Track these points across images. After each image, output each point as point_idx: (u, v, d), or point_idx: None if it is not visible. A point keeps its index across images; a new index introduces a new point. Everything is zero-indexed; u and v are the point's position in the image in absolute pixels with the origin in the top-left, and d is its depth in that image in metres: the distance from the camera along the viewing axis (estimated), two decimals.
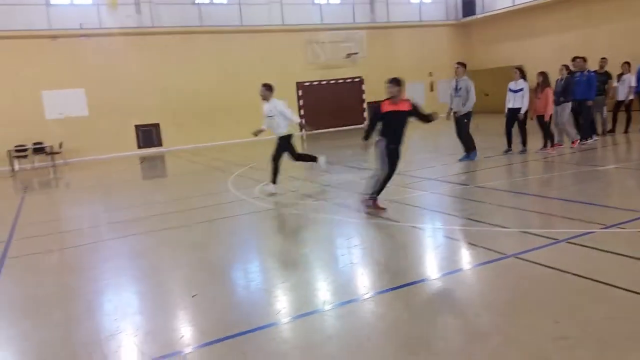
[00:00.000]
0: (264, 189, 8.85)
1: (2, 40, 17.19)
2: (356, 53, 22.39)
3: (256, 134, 8.82)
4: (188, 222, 7.42)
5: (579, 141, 10.98)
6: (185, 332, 3.81)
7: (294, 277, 4.79)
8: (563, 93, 10.86)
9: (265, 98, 8.61)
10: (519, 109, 10.43)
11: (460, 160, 10.42)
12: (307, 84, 22.26)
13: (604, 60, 12.40)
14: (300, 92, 22.19)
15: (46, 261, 6.21)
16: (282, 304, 4.19)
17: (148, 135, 19.85)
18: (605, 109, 12.37)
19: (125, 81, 18.92)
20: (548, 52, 20.23)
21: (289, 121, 8.68)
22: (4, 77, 17.23)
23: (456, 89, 10.35)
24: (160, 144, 19.98)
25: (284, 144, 8.72)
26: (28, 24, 17.52)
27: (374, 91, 23.64)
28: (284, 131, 8.65)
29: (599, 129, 12.39)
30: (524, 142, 10.69)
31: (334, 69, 22.56)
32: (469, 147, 10.49)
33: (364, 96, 23.72)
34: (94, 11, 18.47)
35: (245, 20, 20.60)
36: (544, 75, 10.44)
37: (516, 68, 10.86)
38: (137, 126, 19.64)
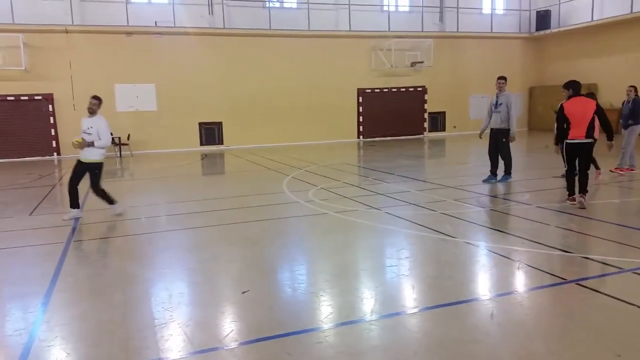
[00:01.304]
0: (114, 212, 7.93)
1: (83, 34, 18.27)
2: (422, 62, 22.15)
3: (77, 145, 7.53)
4: (243, 219, 7.58)
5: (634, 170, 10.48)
6: (234, 327, 3.88)
7: (343, 283, 4.78)
8: (632, 116, 10.32)
9: (94, 112, 7.65)
10: None
11: (484, 181, 9.95)
12: (368, 90, 22.22)
13: None
14: (360, 99, 22.17)
15: (107, 247, 6.52)
16: (330, 309, 4.19)
17: (211, 133, 20.46)
18: None
19: (193, 79, 19.60)
20: (624, 70, 19.27)
21: (103, 146, 7.65)
22: (82, 69, 18.28)
23: (496, 105, 9.87)
24: (221, 142, 20.53)
25: (94, 172, 7.71)
26: (108, 21, 18.53)
27: (437, 101, 23.33)
28: (97, 158, 7.64)
29: None
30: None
31: (397, 77, 22.41)
32: (509, 168, 10.04)
33: (426, 106, 23.40)
34: (169, 10, 19.27)
35: (312, 25, 20.86)
36: (592, 96, 9.92)
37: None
38: (200, 124, 20.28)
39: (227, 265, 5.53)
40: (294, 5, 21.42)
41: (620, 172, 10.34)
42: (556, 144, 8.02)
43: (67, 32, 18.03)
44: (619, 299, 4.10)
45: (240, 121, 20.41)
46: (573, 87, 7.74)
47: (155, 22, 19.06)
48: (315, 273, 5.27)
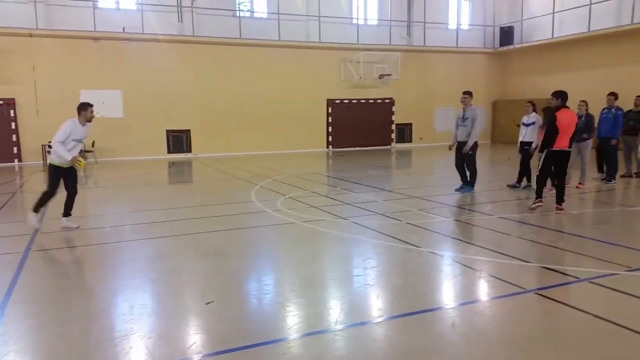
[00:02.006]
0: (66, 223, 7.51)
1: (48, 38, 17.83)
2: (389, 74, 22.48)
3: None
4: (209, 229, 7.50)
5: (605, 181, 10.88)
6: (197, 339, 3.83)
7: (309, 293, 4.78)
8: (586, 130, 10.66)
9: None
10: (530, 143, 10.30)
11: (457, 190, 10.26)
12: (337, 101, 22.39)
13: (639, 98, 12.12)
14: (329, 110, 22.32)
15: (68, 257, 6.35)
16: (296, 320, 4.18)
17: (178, 140, 20.21)
18: None
19: (161, 86, 19.36)
20: (587, 86, 19.85)
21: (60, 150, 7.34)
22: (46, 74, 17.82)
23: (463, 119, 10.13)
24: (189, 150, 20.30)
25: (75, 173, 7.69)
26: (75, 25, 18.15)
27: (404, 113, 23.70)
28: (55, 159, 7.57)
29: (634, 169, 12.08)
30: (528, 179, 10.58)
31: (366, 88, 22.67)
32: (473, 180, 10.28)
33: (394, 117, 23.73)
34: (137, 16, 19.02)
35: (283, 35, 20.92)
36: (548, 110, 10.25)
37: (528, 102, 10.82)
38: (168, 131, 20.02)
39: (192, 275, 5.46)
40: (265, 15, 21.45)
41: (581, 186, 10.62)
42: (541, 150, 8.30)
43: (31, 36, 17.57)
44: (575, 308, 4.23)
45: (209, 129, 20.25)
46: (562, 97, 8.06)
47: (124, 28, 18.77)
48: (281, 283, 5.25)
